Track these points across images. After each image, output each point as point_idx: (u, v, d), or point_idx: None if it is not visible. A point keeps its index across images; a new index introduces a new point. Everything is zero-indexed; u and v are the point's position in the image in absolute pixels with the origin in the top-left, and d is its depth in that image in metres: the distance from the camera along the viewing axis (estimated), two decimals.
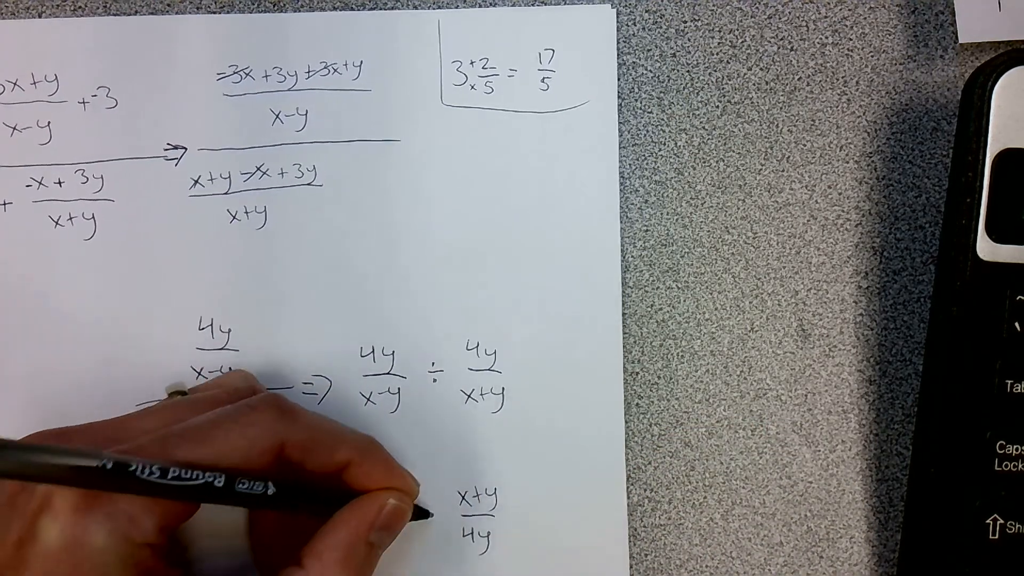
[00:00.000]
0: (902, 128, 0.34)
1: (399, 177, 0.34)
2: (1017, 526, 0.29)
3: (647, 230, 0.34)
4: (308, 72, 0.34)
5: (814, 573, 0.33)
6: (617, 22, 0.34)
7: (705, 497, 0.34)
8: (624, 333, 0.34)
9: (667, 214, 0.34)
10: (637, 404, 0.34)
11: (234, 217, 0.33)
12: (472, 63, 0.34)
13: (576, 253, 0.34)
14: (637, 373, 0.34)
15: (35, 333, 0.33)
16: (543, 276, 0.34)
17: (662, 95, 0.34)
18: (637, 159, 0.34)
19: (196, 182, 0.33)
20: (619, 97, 0.34)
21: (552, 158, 0.34)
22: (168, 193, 0.33)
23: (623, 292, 0.34)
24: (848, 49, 0.34)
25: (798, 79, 0.34)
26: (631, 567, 0.33)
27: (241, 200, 0.33)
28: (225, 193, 0.33)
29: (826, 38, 0.34)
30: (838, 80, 0.34)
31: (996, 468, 0.29)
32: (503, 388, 0.33)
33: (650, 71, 0.34)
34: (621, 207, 0.34)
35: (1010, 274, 0.29)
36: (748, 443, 0.34)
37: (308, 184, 0.34)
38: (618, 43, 0.34)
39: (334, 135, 0.34)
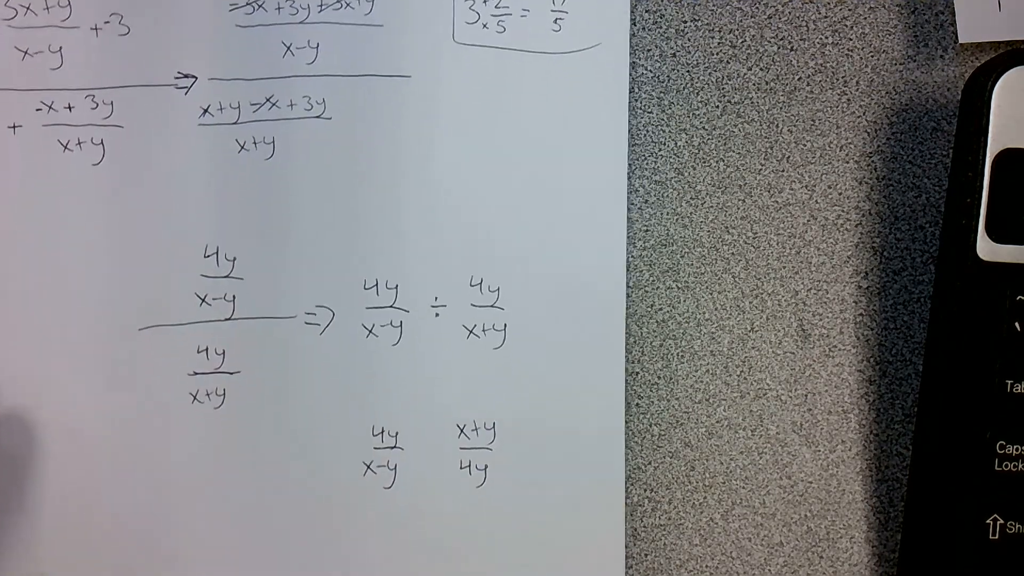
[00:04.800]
0: (902, 128, 0.34)
1: (408, 113, 0.34)
2: (1017, 526, 0.29)
3: (647, 230, 0.34)
4: (320, 6, 0.34)
5: (814, 573, 0.33)
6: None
7: (705, 497, 0.34)
8: (624, 333, 0.34)
9: (667, 214, 0.34)
10: (637, 404, 0.34)
11: (242, 147, 0.33)
12: (485, 1, 0.34)
13: (581, 194, 0.33)
14: (637, 373, 0.34)
15: (40, 255, 0.33)
16: (548, 216, 0.33)
17: (662, 95, 0.34)
18: (637, 159, 0.34)
19: (205, 111, 0.33)
20: None
21: (562, 99, 0.34)
22: (177, 121, 0.33)
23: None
24: (848, 49, 0.34)
25: (798, 79, 0.34)
26: (629, 567, 0.33)
27: (250, 131, 0.33)
28: (234, 123, 0.34)
29: (826, 38, 0.34)
30: (838, 80, 0.34)
31: (996, 468, 0.29)
32: (505, 325, 0.33)
33: (650, 71, 0.34)
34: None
35: (1010, 274, 0.29)
36: (748, 443, 0.34)
37: (317, 117, 0.34)
38: None
39: (344, 69, 0.34)
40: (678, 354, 0.34)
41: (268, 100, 0.34)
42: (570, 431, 0.33)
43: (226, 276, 0.33)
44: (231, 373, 0.33)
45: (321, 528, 0.33)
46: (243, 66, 0.34)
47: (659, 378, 0.34)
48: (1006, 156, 0.29)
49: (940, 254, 0.31)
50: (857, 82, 0.34)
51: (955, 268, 0.29)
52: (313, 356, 0.33)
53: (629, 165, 0.34)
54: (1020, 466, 0.29)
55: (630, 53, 0.34)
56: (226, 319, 0.33)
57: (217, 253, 0.33)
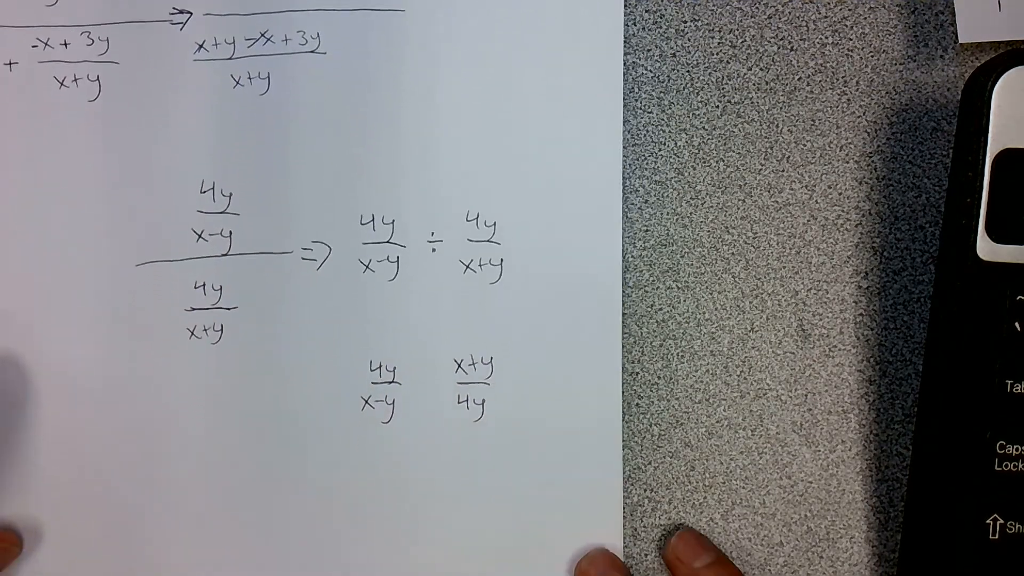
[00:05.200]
0: (902, 128, 0.34)
1: (402, 46, 0.34)
2: (1017, 526, 0.29)
3: (647, 230, 0.34)
4: None
5: (814, 573, 0.33)
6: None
7: (705, 497, 0.34)
8: (624, 333, 0.34)
9: (667, 214, 0.34)
10: (637, 404, 0.34)
11: (237, 83, 0.34)
12: None
13: (577, 126, 0.33)
14: (637, 373, 0.34)
15: (36, 191, 0.33)
16: (543, 148, 0.34)
17: (662, 95, 0.34)
18: (637, 159, 0.34)
19: (200, 47, 0.34)
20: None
21: (557, 33, 0.34)
22: (173, 57, 0.34)
23: (623, 292, 0.34)
24: (848, 49, 0.34)
25: (798, 79, 0.34)
26: (629, 568, 0.33)
27: (244, 66, 0.34)
28: (229, 58, 0.34)
29: (826, 38, 0.34)
30: (838, 80, 0.34)
31: (996, 468, 0.29)
32: (501, 259, 0.33)
33: (650, 71, 0.34)
34: (621, 208, 0.34)
35: (1010, 274, 0.29)
36: (748, 443, 0.34)
37: (312, 52, 0.34)
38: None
39: (339, 3, 0.34)
40: (678, 354, 0.34)
41: (263, 35, 0.34)
42: (567, 363, 0.33)
43: (222, 212, 0.33)
44: (228, 309, 0.33)
45: (319, 463, 0.33)
46: (238, 1, 0.34)
47: (659, 378, 0.34)
48: (1006, 156, 0.29)
49: (940, 254, 0.31)
50: (857, 82, 0.34)
51: (955, 268, 0.29)
52: (310, 291, 0.33)
53: (629, 165, 0.34)
54: (1020, 466, 0.29)
55: (630, 54, 0.34)
56: (223, 255, 0.34)
57: (213, 189, 0.33)
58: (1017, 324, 0.29)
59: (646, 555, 0.34)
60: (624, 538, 0.33)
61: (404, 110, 0.34)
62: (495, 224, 0.34)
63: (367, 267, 0.34)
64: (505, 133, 0.34)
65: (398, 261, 0.34)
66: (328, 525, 0.33)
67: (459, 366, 0.33)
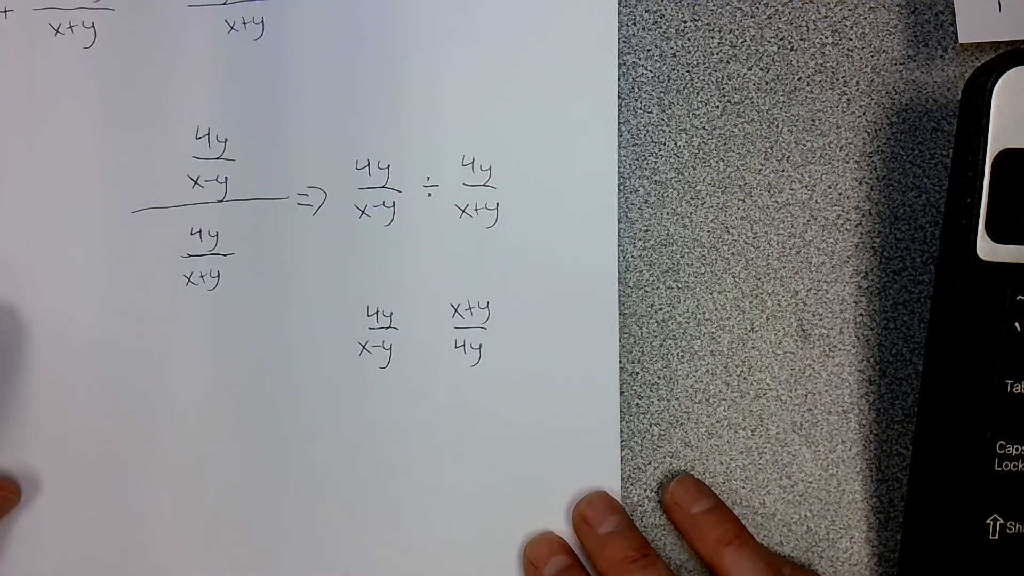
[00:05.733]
0: (902, 128, 0.34)
1: None
2: (1017, 526, 0.29)
3: (647, 230, 0.34)
4: None
5: None
6: (617, 22, 0.34)
7: None
8: (624, 333, 0.34)
9: (667, 214, 0.34)
10: (637, 404, 0.34)
11: (232, 28, 0.34)
12: None
13: (572, 70, 0.33)
14: (637, 373, 0.34)
15: (31, 139, 0.33)
16: (539, 93, 0.34)
17: (662, 95, 0.34)
18: (637, 159, 0.34)
19: None
20: (619, 98, 0.34)
21: None
22: (167, 3, 0.34)
23: (623, 292, 0.34)
24: (848, 49, 0.34)
25: (798, 79, 0.34)
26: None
27: (239, 11, 0.34)
28: (223, 4, 0.34)
29: (826, 38, 0.34)
30: (838, 80, 0.34)
31: (996, 468, 0.29)
32: (497, 204, 0.34)
33: (650, 71, 0.34)
34: (621, 207, 0.34)
35: (1010, 274, 0.29)
36: (748, 443, 0.34)
37: None
38: (618, 43, 0.34)
39: None
40: (678, 354, 0.34)
41: None
42: (564, 305, 0.33)
43: (218, 158, 0.34)
44: (225, 255, 0.34)
45: (316, 408, 0.33)
46: None
47: (659, 378, 0.34)
48: (1006, 156, 0.29)
49: (940, 254, 0.31)
50: (857, 82, 0.34)
51: (955, 268, 0.29)
52: (306, 237, 0.34)
53: (629, 165, 0.34)
54: (1020, 466, 0.29)
55: (630, 54, 0.34)
56: (219, 201, 0.34)
57: (209, 135, 0.34)
58: (1017, 324, 0.29)
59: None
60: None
61: (399, 54, 0.34)
62: (490, 168, 0.34)
63: (363, 212, 0.34)
64: (501, 76, 0.34)
65: (394, 206, 0.34)
66: (326, 472, 0.33)
67: (456, 311, 0.33)
